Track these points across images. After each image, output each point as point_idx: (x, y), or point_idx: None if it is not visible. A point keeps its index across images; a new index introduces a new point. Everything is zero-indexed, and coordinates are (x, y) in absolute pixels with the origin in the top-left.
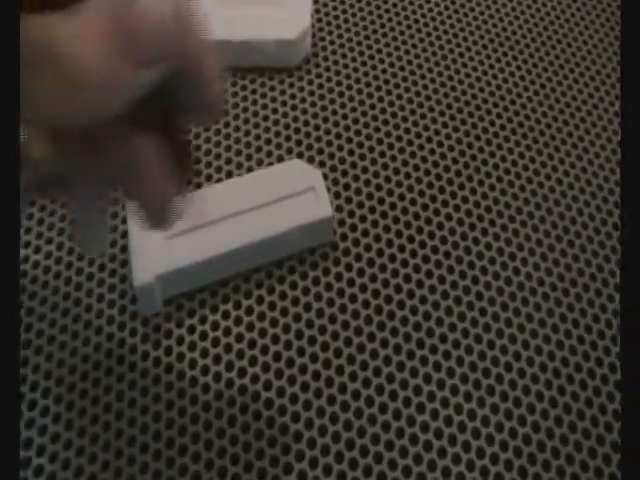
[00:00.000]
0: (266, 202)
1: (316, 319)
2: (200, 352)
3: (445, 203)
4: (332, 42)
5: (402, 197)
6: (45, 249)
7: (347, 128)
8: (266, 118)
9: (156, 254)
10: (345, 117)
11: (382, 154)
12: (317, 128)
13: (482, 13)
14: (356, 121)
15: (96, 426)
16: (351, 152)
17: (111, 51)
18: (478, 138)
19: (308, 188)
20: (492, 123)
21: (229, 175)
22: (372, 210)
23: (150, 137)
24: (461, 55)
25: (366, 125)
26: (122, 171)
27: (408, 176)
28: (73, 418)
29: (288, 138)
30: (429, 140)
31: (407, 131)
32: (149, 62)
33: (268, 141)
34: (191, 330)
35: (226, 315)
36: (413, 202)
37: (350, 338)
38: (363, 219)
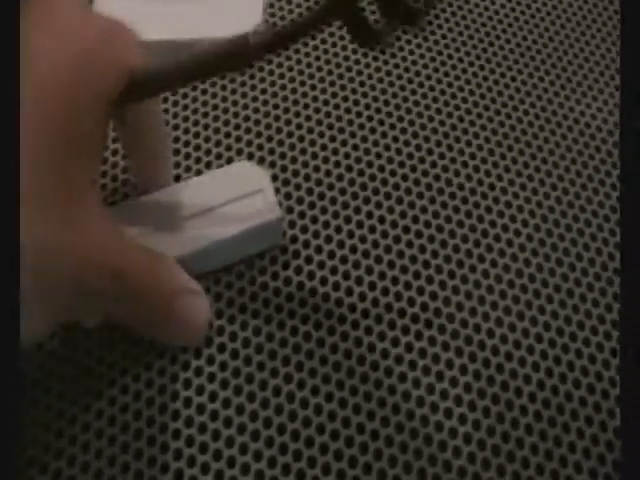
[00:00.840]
0: (212, 206)
1: (264, 326)
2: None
3: (400, 200)
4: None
5: (355, 196)
6: None
7: (299, 126)
8: (216, 119)
9: None
10: (298, 115)
11: (335, 151)
12: (268, 127)
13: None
14: (309, 118)
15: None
16: (303, 151)
17: None
18: (435, 131)
19: (256, 190)
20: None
21: (177, 179)
22: (323, 210)
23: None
24: (418, 46)
25: (319, 122)
26: None
27: (361, 173)
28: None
29: (238, 139)
30: (384, 135)
31: (361, 126)
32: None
33: (218, 143)
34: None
35: None
36: (366, 200)
37: (299, 344)
38: (314, 220)
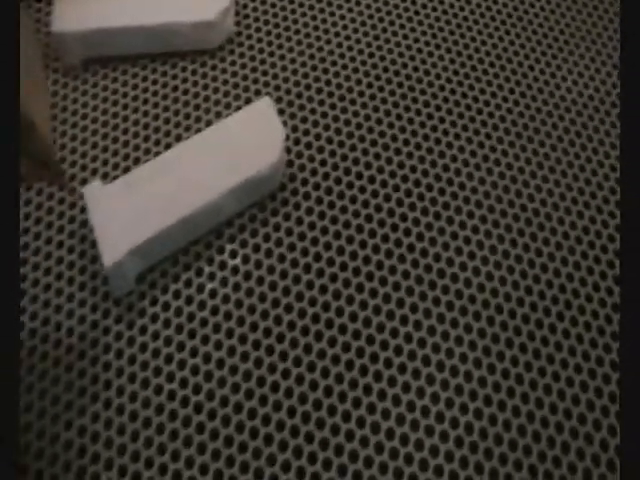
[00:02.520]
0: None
1: (290, 268)
2: (175, 328)
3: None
4: (257, 19)
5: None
6: None
7: (280, 112)
8: (186, 104)
9: (121, 225)
10: (269, 95)
11: (315, 123)
12: (239, 110)
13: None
14: (279, 100)
15: (71, 412)
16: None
17: None
18: (423, 92)
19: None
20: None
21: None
22: (316, 187)
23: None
24: (391, 23)
25: (290, 103)
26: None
27: (337, 154)
28: (46, 406)
29: (209, 123)
30: (367, 118)
31: (332, 107)
32: None
33: (188, 128)
34: (166, 307)
35: (201, 288)
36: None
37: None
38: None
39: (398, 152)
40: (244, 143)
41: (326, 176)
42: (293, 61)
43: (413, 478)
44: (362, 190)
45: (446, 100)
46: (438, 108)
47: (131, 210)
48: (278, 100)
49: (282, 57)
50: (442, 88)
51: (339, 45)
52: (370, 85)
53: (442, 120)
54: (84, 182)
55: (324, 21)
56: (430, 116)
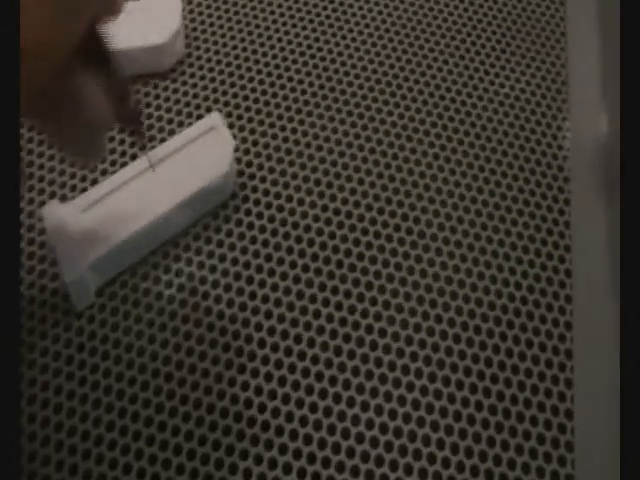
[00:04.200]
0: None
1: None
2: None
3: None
4: (205, 41)
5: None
6: None
7: (231, 126)
8: None
9: (79, 242)
10: (219, 111)
11: (266, 146)
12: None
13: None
14: (229, 115)
15: (34, 425)
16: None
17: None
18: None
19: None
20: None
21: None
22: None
23: (92, 75)
24: (346, 47)
25: (239, 117)
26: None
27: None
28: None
29: (163, 141)
30: (312, 125)
31: (279, 117)
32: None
33: (142, 147)
34: (126, 316)
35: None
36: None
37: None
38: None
39: (342, 155)
40: (196, 156)
41: (274, 182)
42: (241, 77)
43: None
44: (309, 192)
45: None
46: (381, 111)
47: (88, 227)
48: (228, 115)
49: (231, 74)
50: (393, 94)
51: (284, 59)
52: (314, 94)
53: (394, 124)
54: (42, 204)
55: (269, 38)
56: (372, 118)
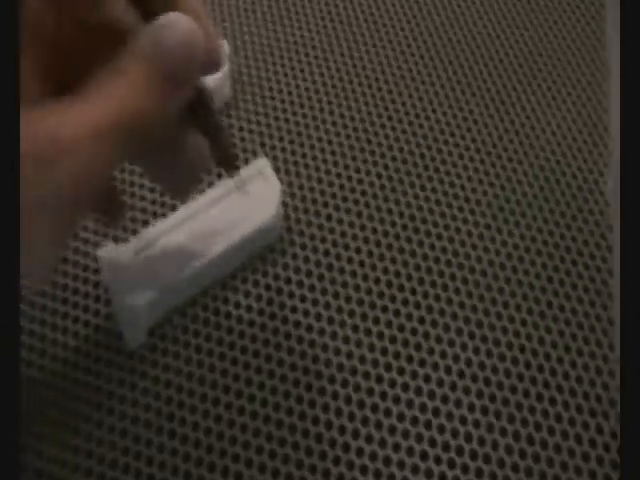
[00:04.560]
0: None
1: (281, 326)
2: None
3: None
4: (251, 84)
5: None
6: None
7: (276, 170)
8: None
9: (133, 281)
10: (264, 155)
11: (311, 190)
12: (246, 163)
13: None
14: (275, 158)
15: (91, 461)
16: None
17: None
18: (407, 142)
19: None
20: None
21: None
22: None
23: (193, 130)
24: (379, 89)
25: (285, 161)
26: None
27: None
28: (67, 457)
29: (211, 183)
30: (357, 170)
31: (324, 161)
32: (186, 82)
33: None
34: (176, 356)
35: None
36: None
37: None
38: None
39: (386, 199)
40: (245, 200)
41: (320, 226)
42: (286, 121)
43: None
44: (354, 238)
45: (438, 147)
46: (424, 156)
47: (142, 268)
48: (274, 158)
49: (276, 118)
50: (435, 139)
51: (329, 103)
52: (358, 139)
53: (430, 169)
54: (97, 246)
55: (314, 82)
56: (415, 164)
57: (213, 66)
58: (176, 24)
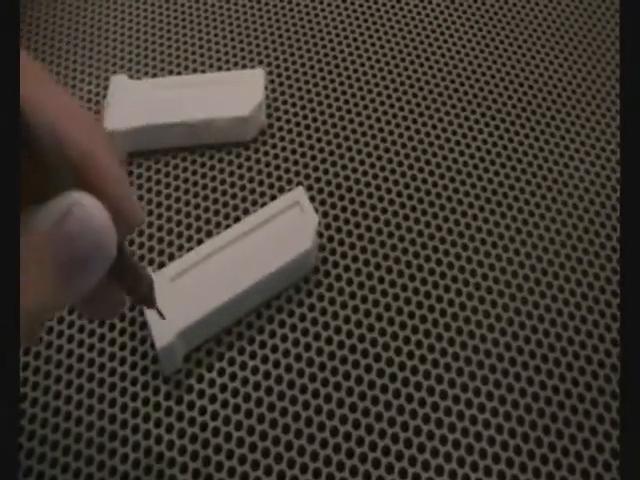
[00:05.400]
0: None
1: (316, 356)
2: (221, 404)
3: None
4: (286, 112)
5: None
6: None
7: (311, 199)
8: (224, 193)
9: (169, 310)
10: (299, 184)
11: (346, 222)
12: (273, 199)
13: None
14: (310, 188)
15: None
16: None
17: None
18: (431, 174)
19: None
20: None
21: (189, 250)
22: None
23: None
24: (413, 121)
25: (320, 191)
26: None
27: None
28: (105, 477)
29: (246, 210)
30: (391, 202)
31: (359, 193)
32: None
33: (227, 216)
34: (211, 384)
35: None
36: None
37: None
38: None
39: (420, 234)
40: (281, 229)
41: (355, 259)
42: (322, 150)
43: None
44: (389, 271)
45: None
46: (458, 191)
47: (178, 295)
48: (309, 188)
49: (311, 147)
50: (473, 185)
51: (363, 134)
52: (393, 171)
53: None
54: None
55: (348, 111)
56: (450, 198)
57: (129, 231)
58: (82, 208)
